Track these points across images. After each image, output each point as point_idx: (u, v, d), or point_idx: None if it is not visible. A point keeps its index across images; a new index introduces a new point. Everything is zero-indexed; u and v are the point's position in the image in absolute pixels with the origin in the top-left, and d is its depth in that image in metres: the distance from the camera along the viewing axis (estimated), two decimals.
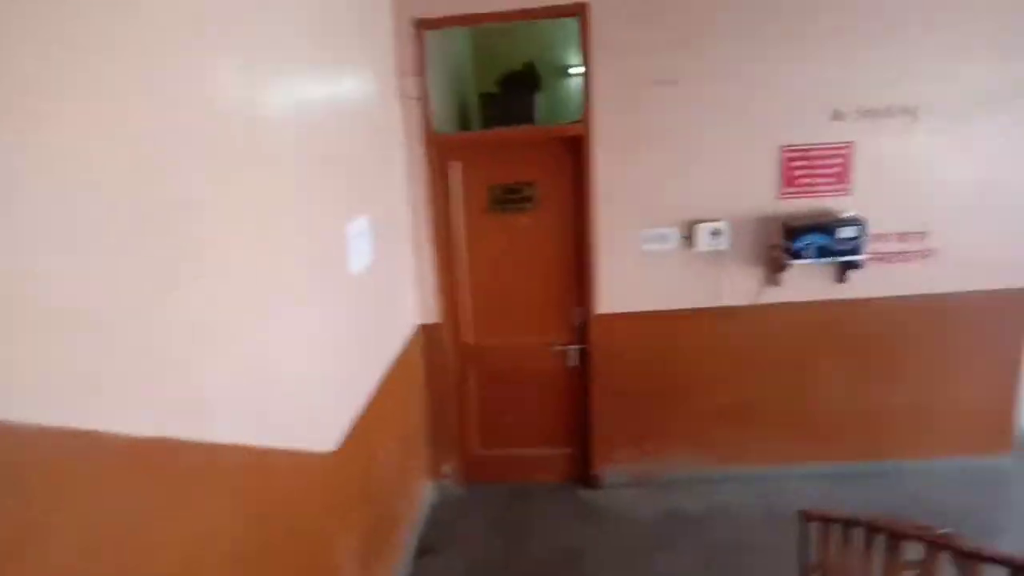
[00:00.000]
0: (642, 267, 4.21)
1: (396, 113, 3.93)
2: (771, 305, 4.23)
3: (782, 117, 3.96)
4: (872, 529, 2.38)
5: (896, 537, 2.24)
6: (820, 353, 4.32)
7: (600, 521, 4.28)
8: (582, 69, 4.01)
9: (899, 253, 4.11)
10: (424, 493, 4.42)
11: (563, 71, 5.66)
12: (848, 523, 2.56)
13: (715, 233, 4.09)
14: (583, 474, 4.62)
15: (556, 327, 4.42)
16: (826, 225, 3.92)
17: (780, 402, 4.40)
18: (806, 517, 2.77)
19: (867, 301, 4.19)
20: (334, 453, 2.81)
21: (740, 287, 4.22)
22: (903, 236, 4.09)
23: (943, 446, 4.40)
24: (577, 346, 4.41)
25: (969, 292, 4.16)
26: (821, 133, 3.98)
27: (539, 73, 5.27)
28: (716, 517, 4.23)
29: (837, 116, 3.94)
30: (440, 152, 4.16)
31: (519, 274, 4.36)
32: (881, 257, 4.08)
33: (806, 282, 4.17)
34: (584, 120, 4.03)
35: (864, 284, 4.13)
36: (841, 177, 4.03)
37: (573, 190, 4.18)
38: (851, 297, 4.19)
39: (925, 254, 4.11)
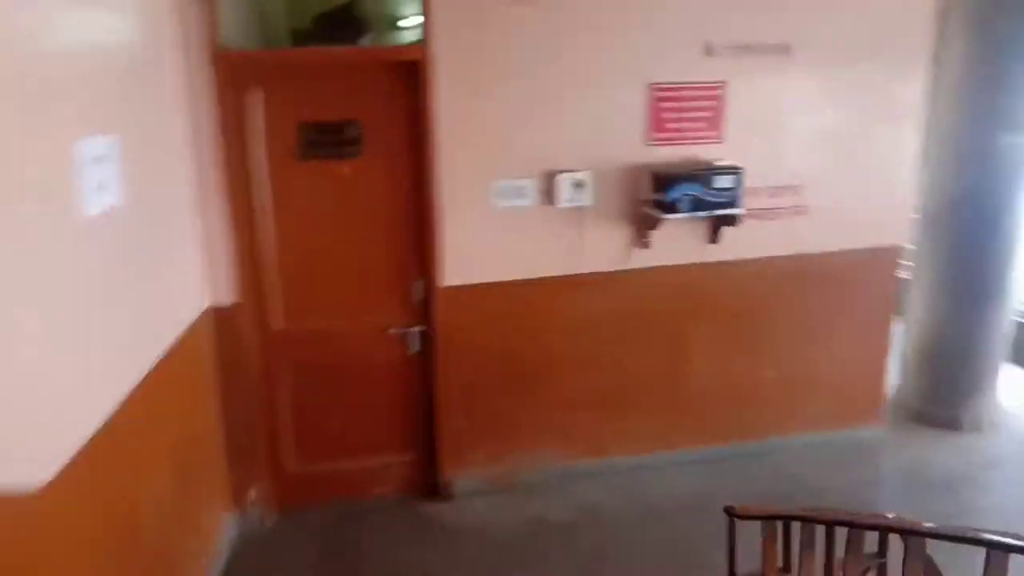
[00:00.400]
0: (496, 228, 3.49)
1: (166, 11, 2.89)
2: (639, 270, 3.68)
3: (651, 49, 3.43)
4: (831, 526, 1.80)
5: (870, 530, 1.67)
6: (692, 324, 3.84)
7: (451, 540, 3.49)
8: (417, 20, 3.22)
9: (772, 209, 3.73)
10: (222, 529, 3.37)
11: (391, 23, 4.79)
12: (793, 520, 1.98)
13: (578, 185, 3.47)
14: (429, 484, 3.79)
15: (392, 305, 3.58)
16: (701, 174, 3.44)
17: (650, 382, 3.87)
18: (735, 515, 2.16)
19: (740, 263, 3.78)
20: (44, 490, 1.78)
21: (606, 250, 3.63)
22: (776, 191, 3.71)
23: (816, 420, 4.10)
24: (419, 327, 3.59)
25: (840, 252, 3.88)
26: (692, 70, 3.50)
27: (363, 15, 4.40)
28: (586, 521, 3.60)
29: (709, 51, 3.48)
30: (233, 74, 3.15)
31: (343, 239, 3.47)
32: (754, 214, 3.66)
33: (677, 243, 3.67)
34: (424, 42, 3.24)
35: (737, 244, 3.71)
36: (714, 123, 3.58)
37: (411, 131, 3.37)
38: (724, 259, 3.75)
39: (798, 211, 3.77)
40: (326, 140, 3.34)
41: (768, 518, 2.11)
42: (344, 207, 3.43)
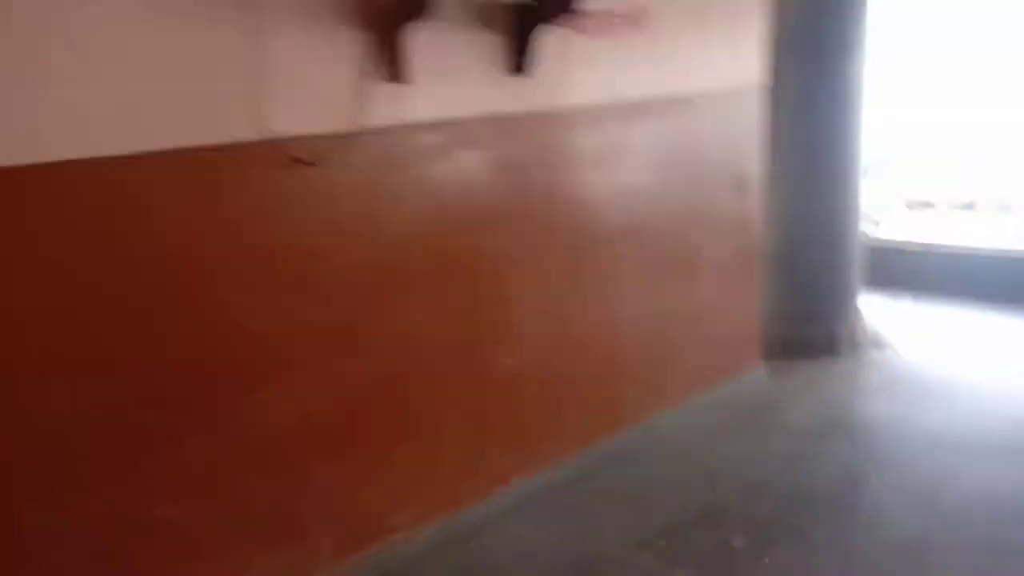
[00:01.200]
0: (41, 29, 1.30)
1: None
2: (387, 132, 1.77)
3: None
4: None
5: None
6: (497, 246, 2.03)
7: None
8: None
9: (601, 14, 2.11)
10: None
11: None
12: None
13: None
14: None
15: None
16: None
17: (442, 368, 1.96)
18: None
19: (563, 115, 2.11)
20: None
21: (316, 85, 1.65)
22: None
23: (693, 377, 2.61)
24: None
25: (695, 94, 2.43)
26: None
27: None
28: None
29: None
30: None
31: None
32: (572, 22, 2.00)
33: (455, 72, 1.86)
34: None
35: (555, 79, 2.02)
36: None
37: None
38: (537, 107, 2.03)
39: (636, 20, 2.21)
40: None
41: None
42: None
